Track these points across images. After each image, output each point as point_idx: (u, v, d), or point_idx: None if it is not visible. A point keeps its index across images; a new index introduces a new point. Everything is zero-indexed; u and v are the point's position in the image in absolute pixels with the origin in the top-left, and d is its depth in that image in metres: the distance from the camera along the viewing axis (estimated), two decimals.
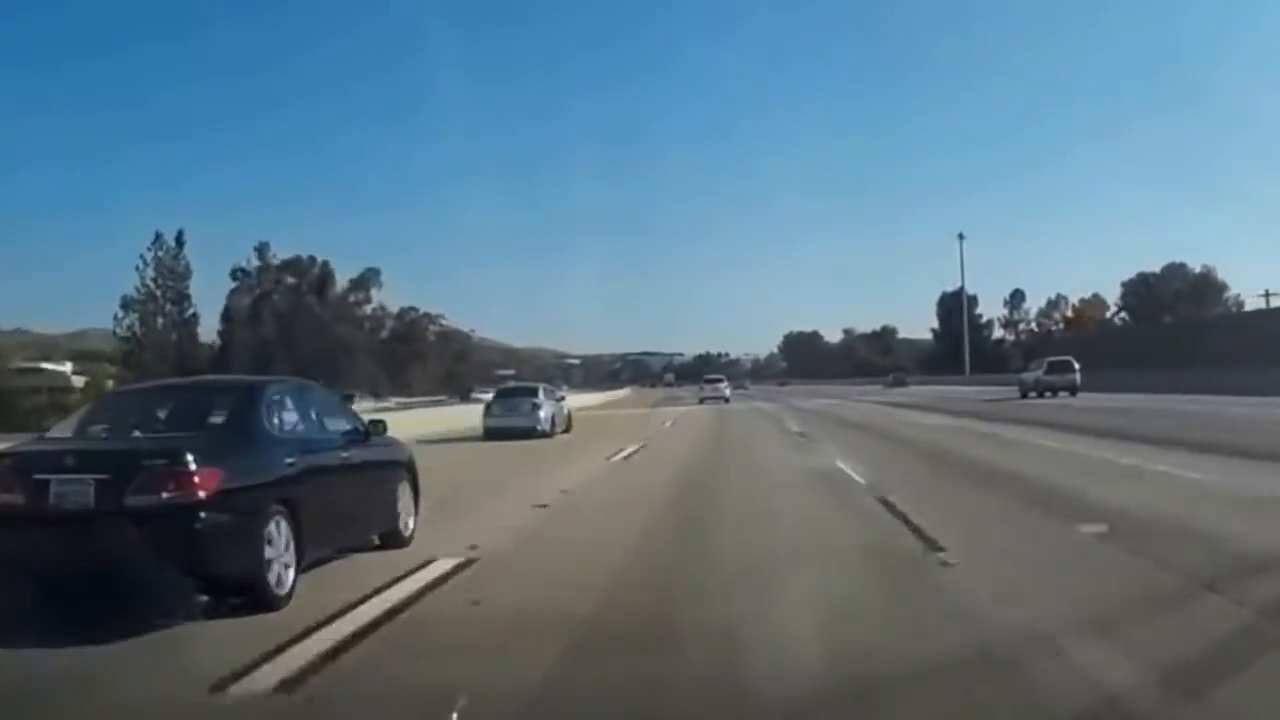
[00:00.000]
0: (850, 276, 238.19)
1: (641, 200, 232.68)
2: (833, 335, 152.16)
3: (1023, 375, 40.73)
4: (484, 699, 3.94)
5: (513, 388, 29.54)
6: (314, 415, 6.93)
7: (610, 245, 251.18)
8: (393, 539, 7.55)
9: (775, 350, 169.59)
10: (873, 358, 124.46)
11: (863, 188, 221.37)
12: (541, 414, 24.29)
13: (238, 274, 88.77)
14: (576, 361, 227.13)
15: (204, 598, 5.29)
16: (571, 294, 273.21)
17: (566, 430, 25.61)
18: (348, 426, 7.39)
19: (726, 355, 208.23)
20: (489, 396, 30.16)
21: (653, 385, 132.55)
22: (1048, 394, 35.96)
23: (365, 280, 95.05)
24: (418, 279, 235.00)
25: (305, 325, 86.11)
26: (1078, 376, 36.26)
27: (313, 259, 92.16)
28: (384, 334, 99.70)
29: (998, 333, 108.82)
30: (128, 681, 4.48)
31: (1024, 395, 37.34)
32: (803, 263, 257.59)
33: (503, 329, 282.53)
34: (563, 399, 28.63)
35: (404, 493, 7.84)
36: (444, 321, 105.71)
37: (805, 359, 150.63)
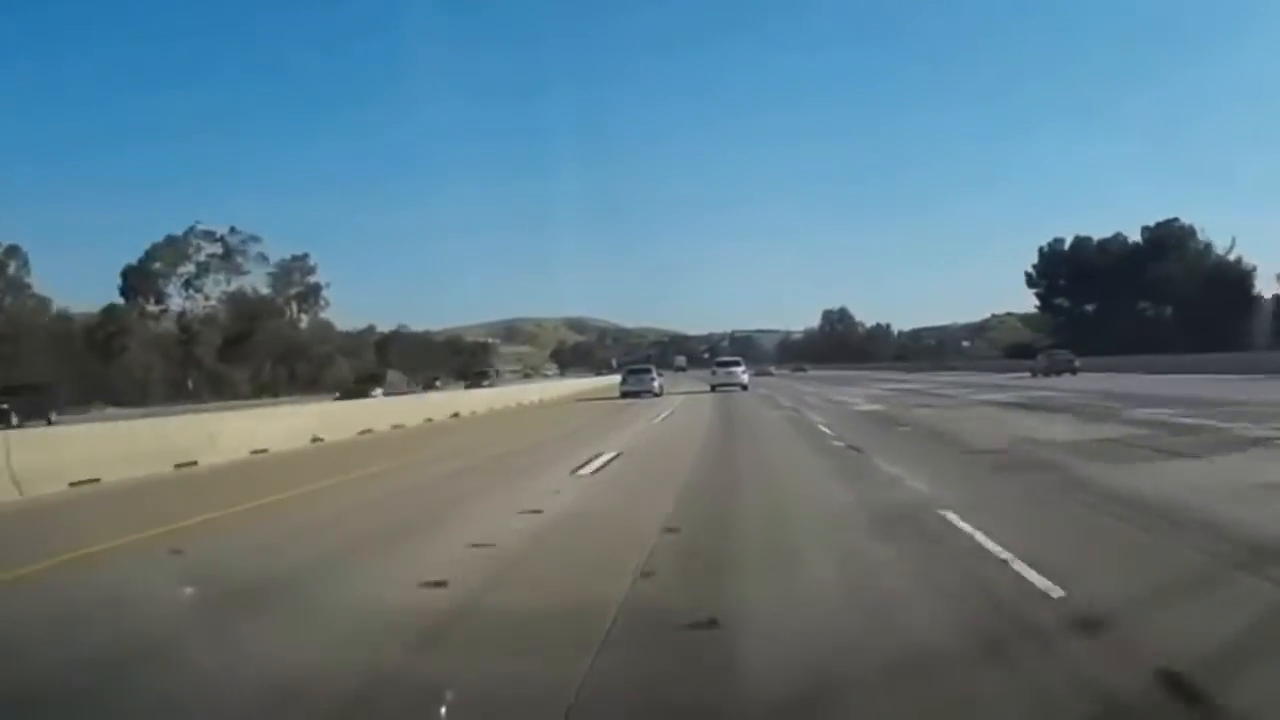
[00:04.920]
0: None
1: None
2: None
3: None
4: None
5: (636, 368, 45.36)
6: None
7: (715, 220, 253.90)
8: None
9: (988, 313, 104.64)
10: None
11: None
12: (655, 384, 39.61)
13: None
14: (666, 339, 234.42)
15: None
16: (682, 274, 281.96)
17: (661, 394, 39.16)
18: None
19: (864, 324, 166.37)
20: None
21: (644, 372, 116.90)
22: None
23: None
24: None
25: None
26: None
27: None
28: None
29: None
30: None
31: None
32: None
33: (614, 310, 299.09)
34: (662, 375, 44.79)
35: None
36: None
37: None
